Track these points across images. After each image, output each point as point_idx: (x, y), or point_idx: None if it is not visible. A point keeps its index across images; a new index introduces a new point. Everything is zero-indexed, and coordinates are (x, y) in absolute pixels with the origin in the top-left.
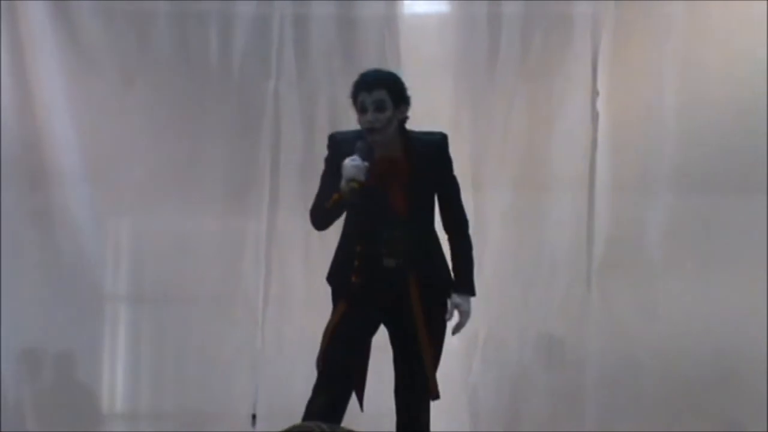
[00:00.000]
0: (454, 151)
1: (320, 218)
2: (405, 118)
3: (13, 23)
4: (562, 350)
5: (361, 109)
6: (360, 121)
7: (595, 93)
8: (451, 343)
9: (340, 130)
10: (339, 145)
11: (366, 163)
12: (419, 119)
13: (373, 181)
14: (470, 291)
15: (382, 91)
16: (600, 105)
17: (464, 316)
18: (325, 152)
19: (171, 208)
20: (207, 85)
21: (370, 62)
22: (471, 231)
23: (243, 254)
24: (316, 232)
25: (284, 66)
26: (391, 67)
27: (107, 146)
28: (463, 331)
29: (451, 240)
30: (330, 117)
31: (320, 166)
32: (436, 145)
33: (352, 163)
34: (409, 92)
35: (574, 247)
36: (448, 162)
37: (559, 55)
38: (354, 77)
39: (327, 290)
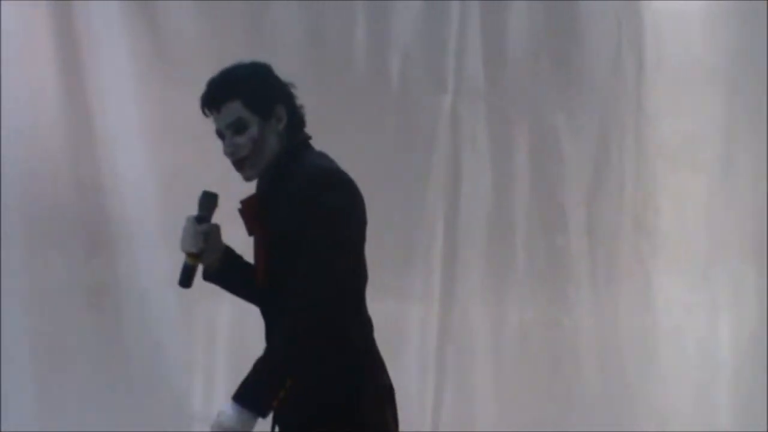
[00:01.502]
0: (725, 198)
1: None
2: (299, 132)
3: (68, 26)
4: None
5: (218, 135)
6: (224, 152)
7: None
8: None
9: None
10: None
11: (204, 226)
12: (673, 146)
13: (249, 232)
14: (237, 398)
15: (234, 103)
16: None
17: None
18: (525, 198)
19: None
20: (348, 99)
21: (599, 65)
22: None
23: (405, 349)
24: (512, 323)
25: (466, 72)
26: (629, 70)
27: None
28: None
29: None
30: (535, 145)
31: (520, 220)
32: (298, 178)
33: (184, 226)
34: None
35: None
36: (305, 205)
37: None
38: (574, 89)
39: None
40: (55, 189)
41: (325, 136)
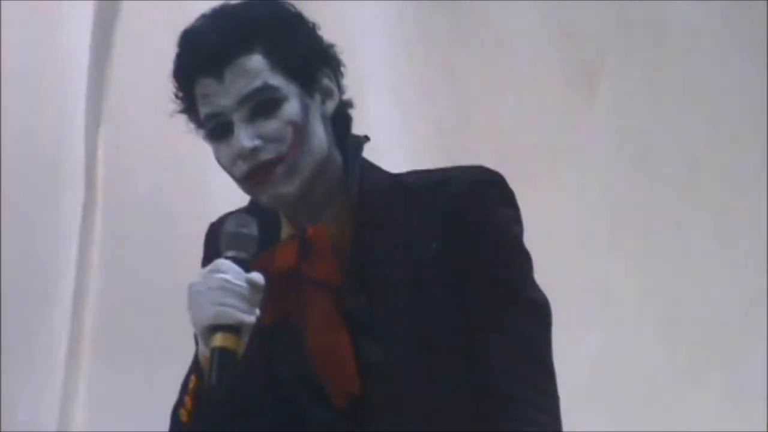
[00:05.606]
0: None
1: None
2: (347, 126)
3: None
4: None
5: (211, 131)
6: (219, 159)
7: None
8: None
9: None
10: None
11: (255, 276)
12: None
13: (270, 318)
14: None
15: (252, 58)
16: None
17: None
18: None
19: None
20: None
21: None
22: None
23: None
24: None
25: None
26: None
27: None
28: None
29: None
30: None
31: None
32: (457, 199)
33: (210, 280)
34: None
35: None
36: (493, 249)
37: None
38: None
39: None
40: None
41: None
